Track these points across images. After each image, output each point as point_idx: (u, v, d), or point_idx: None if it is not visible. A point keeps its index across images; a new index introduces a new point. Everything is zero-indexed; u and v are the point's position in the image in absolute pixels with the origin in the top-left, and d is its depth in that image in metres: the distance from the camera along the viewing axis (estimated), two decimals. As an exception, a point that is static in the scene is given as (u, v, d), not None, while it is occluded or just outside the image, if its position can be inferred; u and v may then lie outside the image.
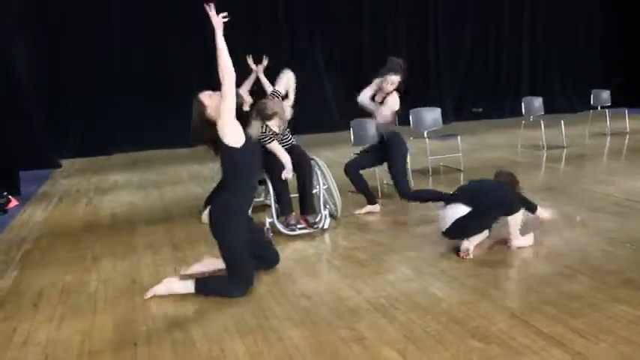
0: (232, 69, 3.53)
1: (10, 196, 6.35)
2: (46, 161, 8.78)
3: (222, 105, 3.53)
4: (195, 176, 7.84)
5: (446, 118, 12.12)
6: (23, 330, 3.38)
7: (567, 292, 3.53)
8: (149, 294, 3.73)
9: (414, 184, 6.33)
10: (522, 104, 8.59)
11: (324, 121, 11.24)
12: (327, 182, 5.23)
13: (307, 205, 4.97)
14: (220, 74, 3.52)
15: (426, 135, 7.25)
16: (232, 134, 3.58)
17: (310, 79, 11.78)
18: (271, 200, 4.92)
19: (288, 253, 4.53)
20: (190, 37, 10.47)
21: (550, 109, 12.06)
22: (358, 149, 6.68)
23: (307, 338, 3.10)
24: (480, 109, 12.23)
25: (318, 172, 5.18)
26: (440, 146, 7.83)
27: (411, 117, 7.32)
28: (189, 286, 3.72)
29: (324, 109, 11.60)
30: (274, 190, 4.89)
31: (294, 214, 4.92)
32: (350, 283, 3.84)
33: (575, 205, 5.45)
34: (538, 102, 8.72)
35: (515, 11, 13.27)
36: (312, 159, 5.23)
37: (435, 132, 7.62)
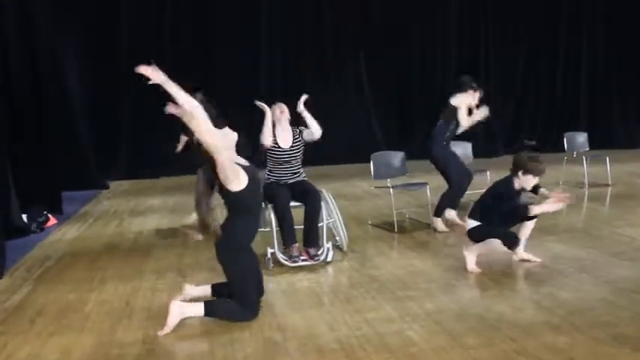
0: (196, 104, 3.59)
1: (49, 215, 6.77)
2: (94, 182, 9.29)
3: (217, 158, 3.56)
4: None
5: (494, 150, 11.92)
6: (13, 345, 3.60)
7: (547, 344, 3.36)
8: (163, 332, 3.66)
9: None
10: (565, 139, 8.26)
11: (368, 148, 11.25)
12: (332, 215, 5.26)
13: (311, 238, 5.00)
14: (189, 119, 3.55)
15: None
16: (236, 180, 3.64)
17: (355, 106, 11.94)
18: (273, 230, 5.00)
19: (281, 284, 4.59)
20: (240, 67, 10.88)
21: (609, 142, 11.61)
22: (379, 183, 6.71)
23: (263, 374, 3.14)
24: (534, 142, 11.77)
25: (324, 205, 5.21)
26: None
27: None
28: (199, 309, 3.77)
29: (369, 137, 11.61)
30: (277, 219, 4.97)
31: (297, 245, 4.97)
32: (329, 319, 3.83)
33: (593, 250, 5.19)
34: (582, 137, 8.36)
35: (573, 33, 12.82)
36: (320, 191, 5.28)
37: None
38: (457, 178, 6.17)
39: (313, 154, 10.88)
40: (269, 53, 11.44)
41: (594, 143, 9.20)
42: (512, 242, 4.69)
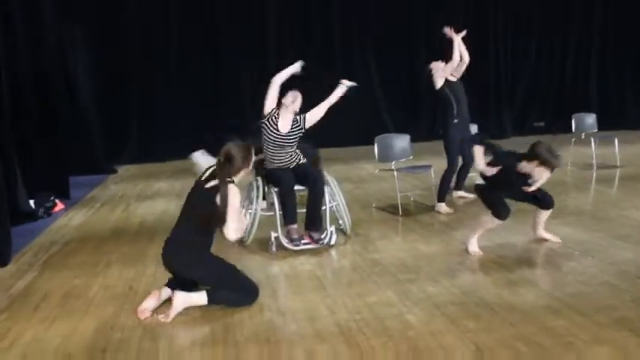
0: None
1: (56, 200, 6.83)
2: (102, 167, 9.35)
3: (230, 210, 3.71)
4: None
5: (504, 132, 11.84)
6: (16, 330, 3.65)
7: (548, 328, 3.35)
8: (169, 318, 3.68)
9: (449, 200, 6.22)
10: (572, 121, 8.16)
11: (376, 130, 11.23)
12: (336, 199, 5.25)
13: (314, 221, 5.00)
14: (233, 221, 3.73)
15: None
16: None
17: (364, 89, 11.86)
18: (276, 214, 5.00)
19: (283, 267, 4.61)
20: (248, 56, 10.87)
21: (619, 124, 11.44)
22: (383, 165, 6.69)
23: (262, 358, 3.15)
24: (542, 124, 11.69)
25: (327, 188, 5.20)
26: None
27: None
28: (202, 298, 3.78)
29: (377, 119, 11.57)
30: (280, 200, 4.96)
31: (296, 226, 4.97)
32: (329, 303, 3.84)
33: (599, 233, 5.15)
34: (591, 118, 8.26)
35: (584, 22, 12.62)
36: (323, 174, 5.27)
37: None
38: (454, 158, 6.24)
39: (321, 136, 11.06)
40: (277, 40, 11.38)
41: (604, 125, 9.11)
42: (500, 213, 4.63)
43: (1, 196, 5.09)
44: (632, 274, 4.13)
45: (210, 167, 3.96)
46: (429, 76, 6.29)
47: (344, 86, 5.29)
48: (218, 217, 3.71)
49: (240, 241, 5.27)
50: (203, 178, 3.91)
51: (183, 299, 3.76)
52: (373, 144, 6.37)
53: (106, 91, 10.19)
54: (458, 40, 6.27)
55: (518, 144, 7.67)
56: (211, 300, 3.79)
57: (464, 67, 6.30)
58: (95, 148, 9.47)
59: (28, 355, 3.31)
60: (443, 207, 6.15)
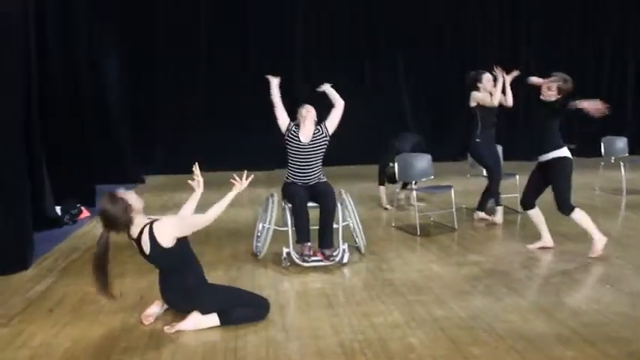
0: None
1: (82, 208, 7.00)
2: (130, 177, 9.53)
3: (187, 223, 3.83)
4: (254, 200, 8.12)
5: (531, 153, 11.60)
6: (28, 333, 3.75)
7: (555, 358, 3.26)
8: (174, 329, 3.71)
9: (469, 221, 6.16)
10: (602, 144, 7.97)
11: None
12: (350, 217, 5.23)
13: (326, 238, 5.00)
14: (199, 220, 3.88)
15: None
16: (171, 238, 3.69)
17: (392, 106, 11.85)
18: (289, 230, 5.02)
19: (294, 284, 4.62)
20: (275, 60, 10.97)
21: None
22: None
23: (260, 373, 3.16)
24: (573, 146, 11.38)
25: (342, 206, 5.20)
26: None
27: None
28: (214, 320, 3.79)
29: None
30: (292, 217, 4.98)
31: (309, 244, 4.97)
32: (335, 321, 3.83)
33: (621, 260, 5.00)
34: (622, 142, 8.05)
35: (619, 34, 12.35)
36: (339, 192, 5.27)
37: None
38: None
39: (349, 153, 11.09)
40: (304, 52, 11.48)
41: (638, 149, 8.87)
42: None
43: (26, 202, 5.24)
44: (651, 306, 4.00)
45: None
46: (472, 84, 6.37)
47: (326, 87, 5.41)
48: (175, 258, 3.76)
49: (254, 255, 5.31)
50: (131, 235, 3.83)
51: (195, 323, 3.76)
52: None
53: (137, 99, 10.39)
54: (506, 81, 6.31)
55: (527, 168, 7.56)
56: (223, 322, 3.79)
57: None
58: (124, 157, 9.66)
59: (35, 358, 3.39)
60: (481, 214, 6.50)
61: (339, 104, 5.29)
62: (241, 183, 4.15)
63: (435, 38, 11.81)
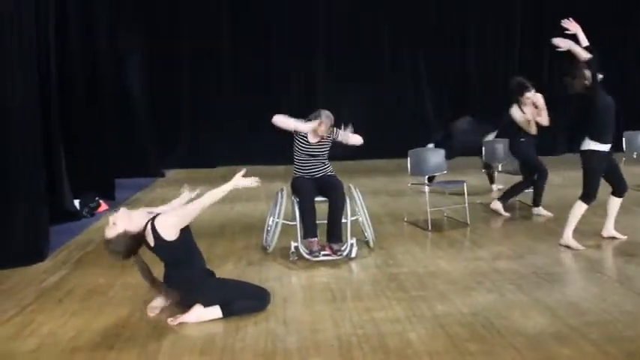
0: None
1: (101, 201, 7.15)
2: (150, 171, 9.70)
3: (184, 213, 3.87)
4: (271, 195, 8.15)
5: (557, 147, 11.42)
6: (38, 322, 3.86)
7: (552, 356, 3.22)
8: (177, 321, 3.77)
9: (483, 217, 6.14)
10: (624, 139, 7.80)
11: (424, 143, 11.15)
12: (359, 212, 5.24)
13: (334, 233, 5.03)
14: (193, 207, 3.89)
15: (500, 168, 6.90)
16: (173, 231, 3.76)
17: (413, 102, 11.79)
18: (297, 224, 5.05)
19: (300, 278, 4.66)
20: (297, 57, 11.03)
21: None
22: (416, 179, 6.63)
23: (255, 365, 3.21)
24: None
25: (351, 201, 5.21)
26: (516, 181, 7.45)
27: (483, 149, 6.92)
28: (217, 312, 3.85)
29: (423, 138, 11.42)
30: (300, 213, 5.01)
31: (317, 239, 5.00)
32: (336, 315, 3.85)
33: (635, 258, 4.89)
34: (644, 137, 7.89)
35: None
36: (349, 187, 5.29)
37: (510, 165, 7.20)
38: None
39: (368, 148, 11.08)
40: (325, 49, 11.48)
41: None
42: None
43: (42, 195, 5.39)
44: (659, 304, 3.92)
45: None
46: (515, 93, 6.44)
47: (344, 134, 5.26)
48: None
49: (264, 249, 5.37)
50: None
51: (198, 315, 3.82)
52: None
53: (158, 93, 10.54)
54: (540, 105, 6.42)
55: (570, 161, 7.44)
56: (226, 314, 3.85)
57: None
58: (145, 151, 9.83)
59: (41, 346, 3.50)
60: (542, 210, 6.49)
61: (352, 142, 5.27)
62: (241, 180, 4.12)
63: (457, 36, 11.70)
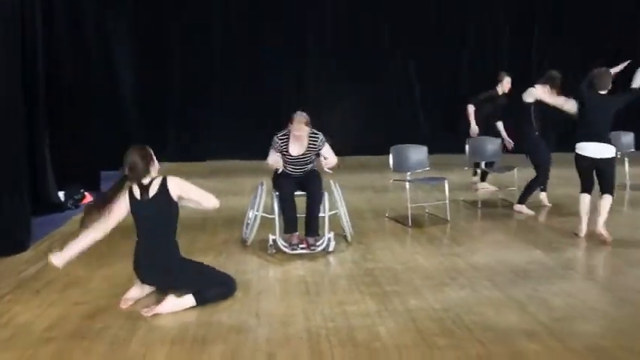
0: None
1: (85, 193, 7.17)
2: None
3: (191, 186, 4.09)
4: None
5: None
6: (14, 312, 3.90)
7: (517, 351, 3.28)
8: (151, 312, 3.81)
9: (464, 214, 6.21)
10: (608, 139, 7.84)
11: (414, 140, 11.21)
12: (338, 207, 5.29)
13: (311, 227, 5.07)
14: (202, 193, 4.09)
15: (483, 166, 6.96)
16: (179, 191, 4.00)
17: (400, 99, 11.83)
18: (275, 217, 5.09)
19: (277, 271, 4.71)
20: (289, 55, 11.07)
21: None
22: (398, 175, 6.67)
23: (224, 358, 3.24)
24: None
25: (329, 196, 5.25)
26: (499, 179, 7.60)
27: (467, 147, 6.92)
28: (190, 301, 3.90)
29: (413, 132, 11.47)
30: (279, 207, 5.05)
31: (297, 234, 5.05)
32: (308, 309, 3.90)
33: (611, 256, 4.97)
34: (628, 137, 7.92)
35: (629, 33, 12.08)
36: (328, 182, 5.33)
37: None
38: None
39: (357, 144, 11.12)
40: (318, 50, 11.51)
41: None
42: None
43: (24, 186, 5.41)
44: (629, 303, 3.97)
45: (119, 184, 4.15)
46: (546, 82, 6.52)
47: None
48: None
49: (243, 242, 5.41)
50: (135, 195, 4.01)
51: (172, 306, 3.87)
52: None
53: (147, 85, 10.53)
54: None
55: (562, 160, 7.55)
56: (199, 301, 3.91)
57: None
58: (133, 143, 9.79)
59: (15, 336, 3.53)
60: (524, 209, 6.55)
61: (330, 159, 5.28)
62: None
63: (448, 36, 11.73)
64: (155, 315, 3.81)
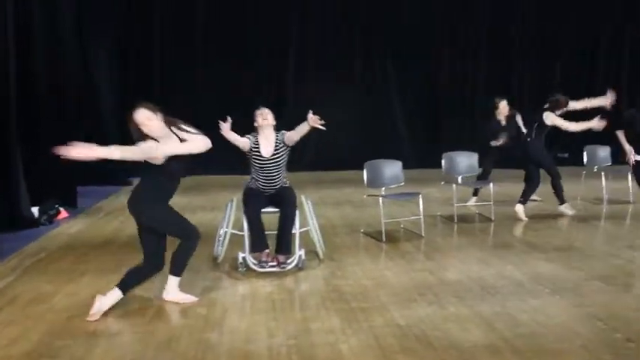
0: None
1: (61, 209, 7.12)
2: (116, 178, 9.65)
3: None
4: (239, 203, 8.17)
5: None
6: (-26, 330, 3.84)
7: (478, 368, 3.26)
8: (93, 318, 3.95)
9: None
10: (584, 153, 7.92)
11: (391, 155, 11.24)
12: (309, 224, 5.26)
13: (282, 244, 5.03)
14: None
15: (460, 181, 6.98)
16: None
17: (380, 112, 11.87)
18: (245, 234, 5.05)
19: (245, 288, 4.66)
20: (268, 65, 11.12)
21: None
22: (372, 191, 6.67)
23: (181, 375, 3.21)
24: (566, 155, 11.29)
25: (300, 213, 5.22)
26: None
27: (443, 161, 7.06)
28: (116, 294, 4.10)
29: (393, 146, 11.49)
30: (247, 225, 5.01)
31: (267, 251, 5.01)
32: (271, 325, 3.86)
33: (580, 272, 4.96)
34: (604, 151, 7.99)
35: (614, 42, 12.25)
36: (301, 198, 5.30)
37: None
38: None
39: (338, 158, 11.13)
40: (297, 57, 11.56)
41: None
42: None
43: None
44: (594, 318, 3.95)
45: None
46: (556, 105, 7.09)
47: (308, 123, 5.07)
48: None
49: (214, 259, 5.37)
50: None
51: (99, 304, 4.01)
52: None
53: (127, 94, 10.48)
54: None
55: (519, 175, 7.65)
56: (124, 289, 4.15)
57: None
58: (110, 160, 9.72)
59: (-29, 356, 3.48)
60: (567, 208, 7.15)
61: (298, 133, 5.17)
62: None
63: (427, 43, 11.82)
64: (112, 326, 3.84)
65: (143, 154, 4.05)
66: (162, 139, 4.11)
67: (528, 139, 7.10)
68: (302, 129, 5.07)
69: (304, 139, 5.38)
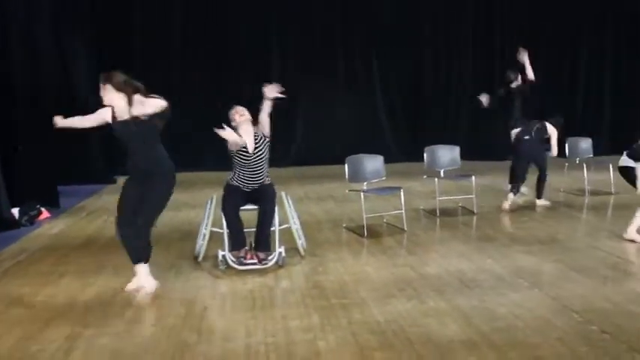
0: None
1: (42, 209, 7.05)
2: (98, 177, 9.58)
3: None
4: (218, 201, 8.14)
5: (505, 154, 11.62)
6: (-50, 335, 3.80)
7: (455, 363, 3.28)
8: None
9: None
10: (567, 145, 7.96)
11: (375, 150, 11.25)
12: (289, 220, 5.25)
13: (261, 242, 5.01)
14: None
15: (442, 174, 7.01)
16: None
17: (364, 107, 11.87)
18: (224, 232, 5.03)
19: (225, 286, 4.65)
20: (249, 61, 11.07)
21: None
22: (354, 186, 6.67)
23: (158, 376, 3.19)
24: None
25: (280, 209, 5.21)
26: (458, 186, 7.67)
27: (425, 155, 7.09)
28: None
29: (377, 140, 11.48)
30: (226, 223, 5.00)
31: (246, 248, 5.00)
32: (250, 324, 3.85)
33: (560, 264, 4.99)
34: (586, 143, 8.04)
35: (595, 38, 12.32)
36: (280, 194, 5.29)
37: (452, 171, 7.34)
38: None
39: (322, 153, 11.12)
40: (280, 54, 11.53)
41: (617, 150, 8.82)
42: None
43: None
44: (571, 311, 3.97)
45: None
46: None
47: (269, 98, 5.11)
48: None
49: (195, 257, 5.35)
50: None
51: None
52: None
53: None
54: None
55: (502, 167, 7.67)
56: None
57: None
58: (92, 157, 9.71)
59: (-56, 361, 3.44)
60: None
61: (265, 114, 5.18)
62: None
63: (410, 37, 11.82)
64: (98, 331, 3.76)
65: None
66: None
67: (527, 137, 7.18)
68: (265, 107, 5.07)
69: (289, 136, 5.39)
